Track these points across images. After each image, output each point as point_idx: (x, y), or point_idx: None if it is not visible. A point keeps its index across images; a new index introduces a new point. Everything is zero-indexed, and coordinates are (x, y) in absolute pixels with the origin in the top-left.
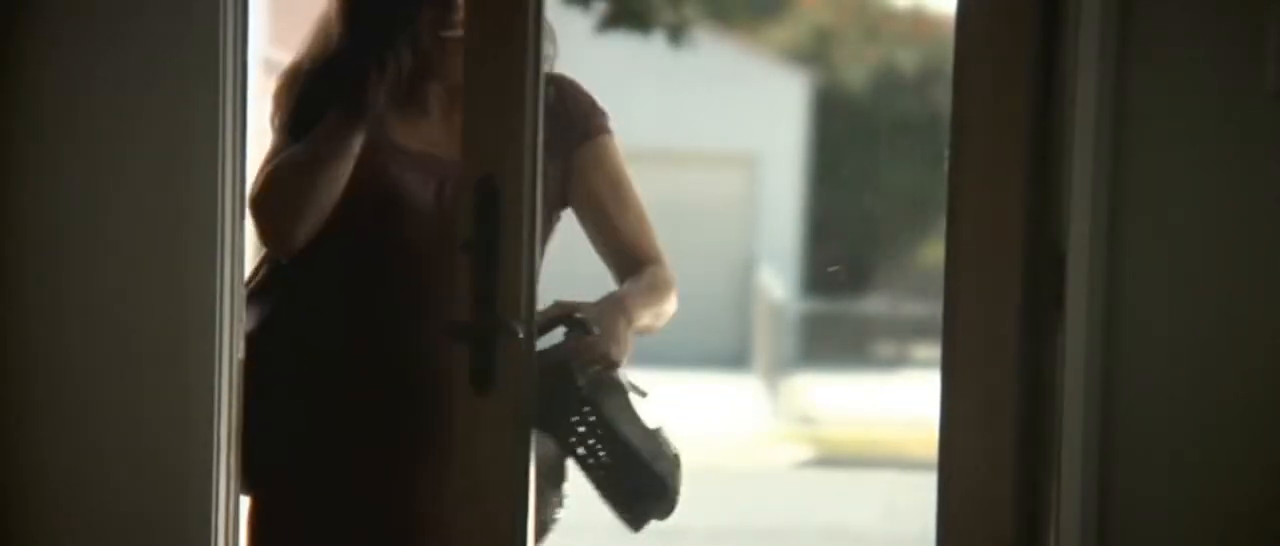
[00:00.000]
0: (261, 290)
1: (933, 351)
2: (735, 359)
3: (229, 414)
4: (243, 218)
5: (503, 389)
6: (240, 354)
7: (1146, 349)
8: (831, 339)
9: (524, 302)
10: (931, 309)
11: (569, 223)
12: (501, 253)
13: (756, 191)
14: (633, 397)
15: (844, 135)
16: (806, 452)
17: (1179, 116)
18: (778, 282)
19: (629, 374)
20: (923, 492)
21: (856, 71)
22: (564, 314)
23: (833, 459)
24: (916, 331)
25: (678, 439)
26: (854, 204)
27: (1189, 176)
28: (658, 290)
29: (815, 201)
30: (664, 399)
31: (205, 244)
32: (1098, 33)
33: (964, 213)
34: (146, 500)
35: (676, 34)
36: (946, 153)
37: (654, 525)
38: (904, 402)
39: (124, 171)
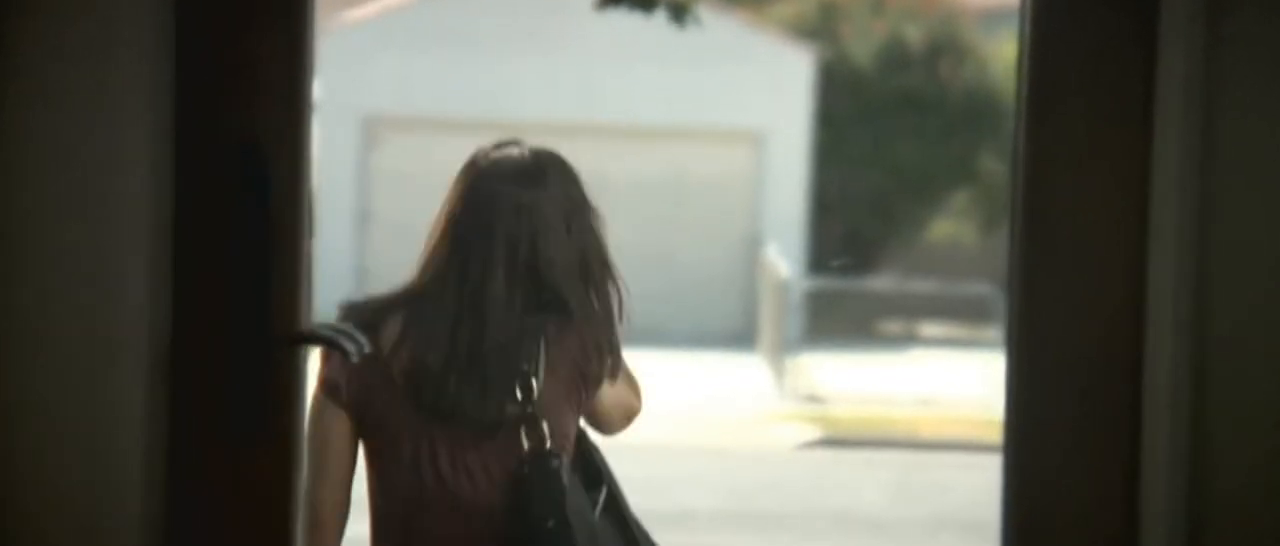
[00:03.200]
0: None
1: (941, 329)
2: (740, 338)
3: (151, 416)
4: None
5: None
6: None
7: (1237, 319)
8: (838, 317)
9: (302, 302)
10: (940, 286)
11: None
12: (276, 240)
13: (762, 168)
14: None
15: (850, 111)
16: (813, 433)
17: (1274, 96)
18: (783, 260)
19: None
20: (933, 473)
21: (863, 46)
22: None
23: (840, 439)
24: (924, 309)
25: (683, 419)
26: (861, 180)
27: None
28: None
29: (821, 178)
30: (668, 379)
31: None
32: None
33: (1037, 202)
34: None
35: (680, 10)
36: (1014, 142)
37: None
38: (912, 381)
39: (55, 178)
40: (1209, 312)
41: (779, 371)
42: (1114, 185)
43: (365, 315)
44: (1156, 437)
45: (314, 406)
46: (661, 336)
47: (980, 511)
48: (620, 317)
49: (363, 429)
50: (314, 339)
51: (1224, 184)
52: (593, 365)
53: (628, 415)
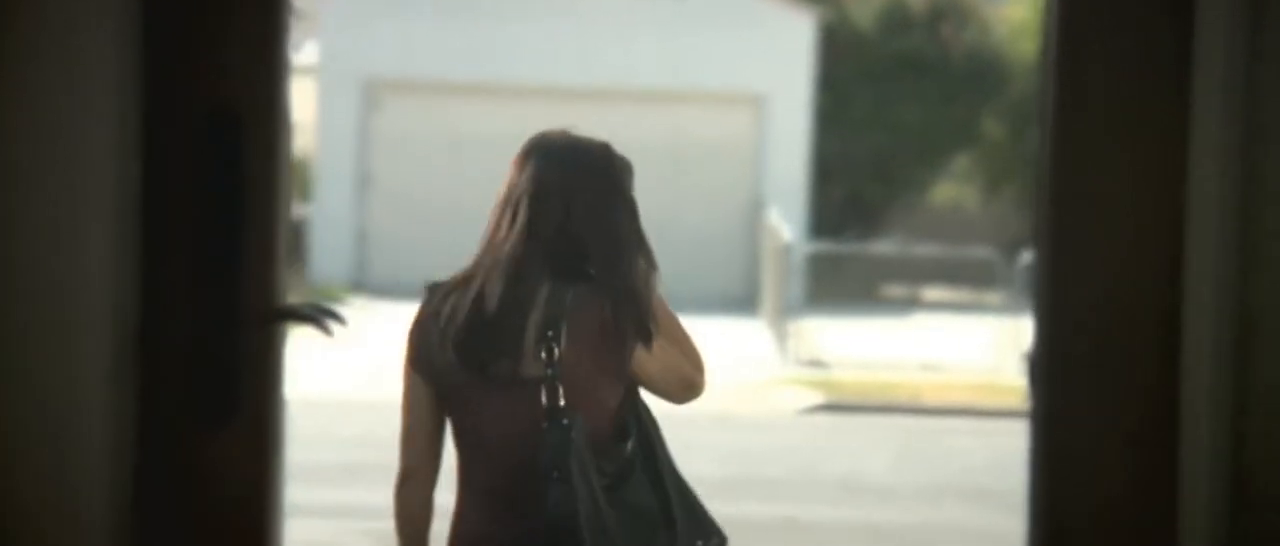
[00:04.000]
0: None
1: (943, 293)
2: (742, 302)
3: (117, 402)
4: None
5: (249, 417)
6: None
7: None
8: (840, 281)
9: (279, 276)
10: (943, 249)
11: None
12: (250, 209)
13: (763, 132)
14: None
15: (852, 74)
16: (815, 398)
17: None
18: (785, 224)
19: None
20: (936, 439)
21: (864, 9)
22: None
23: (842, 404)
24: (927, 273)
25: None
26: (862, 143)
27: None
28: (687, 349)
29: (823, 141)
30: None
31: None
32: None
33: (1067, 170)
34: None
35: None
36: (1040, 122)
37: None
38: (915, 345)
39: (10, 143)
40: (1250, 282)
41: (781, 335)
42: (1149, 148)
43: (446, 289)
44: (1196, 416)
45: (404, 378)
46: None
47: (984, 478)
48: (650, 291)
49: (436, 390)
50: (291, 316)
51: (1267, 147)
52: (619, 334)
53: (685, 385)
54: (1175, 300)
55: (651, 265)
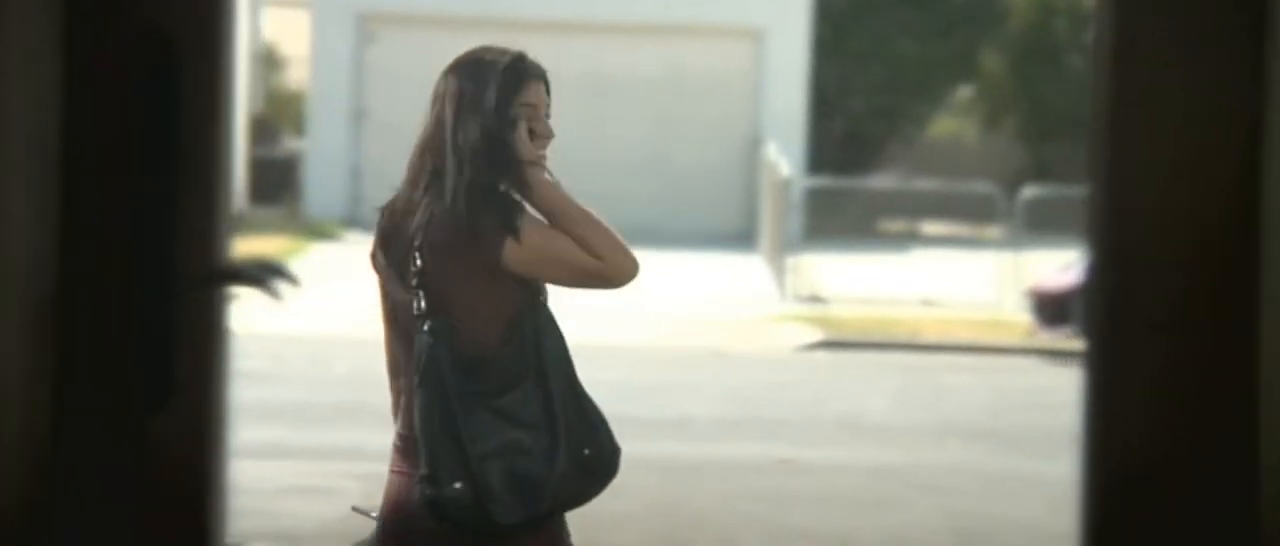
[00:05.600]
0: None
1: (943, 228)
2: (740, 237)
3: (33, 377)
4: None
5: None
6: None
7: None
8: (838, 215)
9: (221, 231)
10: (942, 184)
11: None
12: (187, 153)
13: (761, 65)
14: None
15: (850, 6)
16: (814, 334)
17: None
18: (784, 158)
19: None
20: (937, 376)
21: None
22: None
23: (841, 340)
24: (926, 207)
25: (683, 321)
26: (861, 77)
27: None
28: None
29: (821, 75)
30: (667, 279)
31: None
32: None
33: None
34: None
35: None
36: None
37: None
38: (914, 281)
39: None
40: None
41: (779, 271)
42: (1220, 75)
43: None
44: (1275, 357)
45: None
46: (660, 236)
47: (986, 416)
48: (528, 185)
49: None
50: (234, 278)
51: None
52: (473, 231)
53: (584, 273)
54: (1250, 238)
55: (529, 159)
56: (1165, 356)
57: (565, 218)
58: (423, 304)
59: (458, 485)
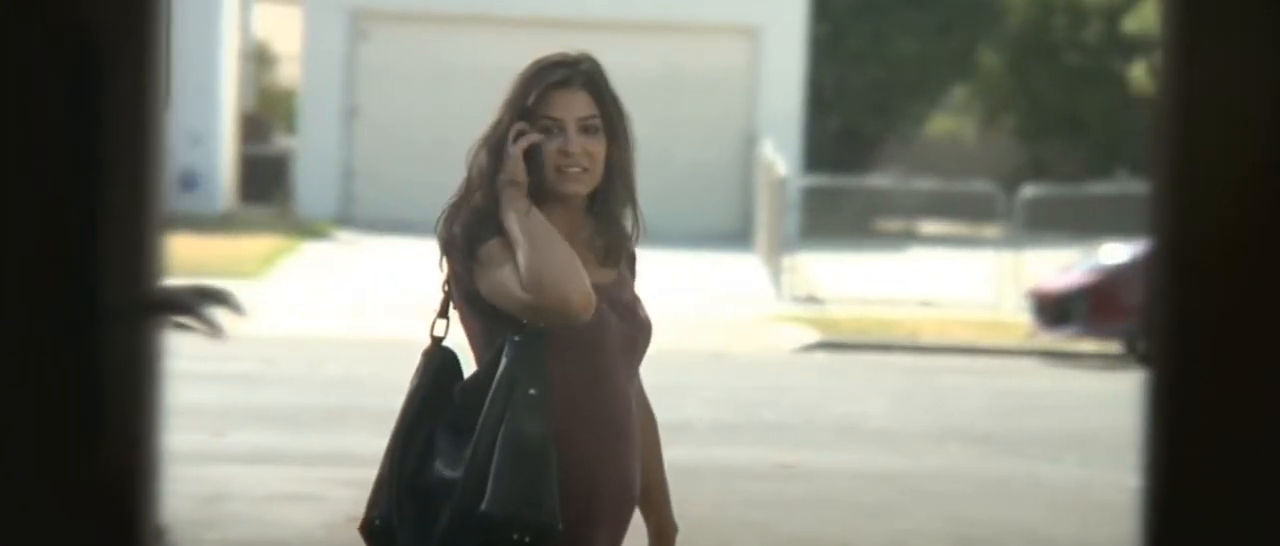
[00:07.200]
0: None
1: (940, 227)
2: (737, 236)
3: None
4: None
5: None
6: None
7: None
8: (835, 214)
9: (153, 254)
10: (940, 183)
11: None
12: (113, 168)
13: (758, 63)
14: None
15: (848, 4)
16: (812, 335)
17: None
18: (780, 157)
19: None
20: (936, 378)
21: None
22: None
23: (839, 342)
24: (924, 206)
25: (680, 321)
26: (858, 75)
27: None
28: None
29: (818, 73)
30: (664, 279)
31: None
32: None
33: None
34: None
35: None
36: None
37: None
38: (912, 281)
39: None
40: None
41: (776, 271)
42: None
43: None
44: None
45: None
46: (656, 235)
47: (987, 420)
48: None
49: None
50: (165, 306)
51: None
52: (450, 253)
53: (521, 307)
54: None
55: (511, 178)
56: (1229, 359)
57: (516, 244)
58: (444, 326)
59: (377, 521)
